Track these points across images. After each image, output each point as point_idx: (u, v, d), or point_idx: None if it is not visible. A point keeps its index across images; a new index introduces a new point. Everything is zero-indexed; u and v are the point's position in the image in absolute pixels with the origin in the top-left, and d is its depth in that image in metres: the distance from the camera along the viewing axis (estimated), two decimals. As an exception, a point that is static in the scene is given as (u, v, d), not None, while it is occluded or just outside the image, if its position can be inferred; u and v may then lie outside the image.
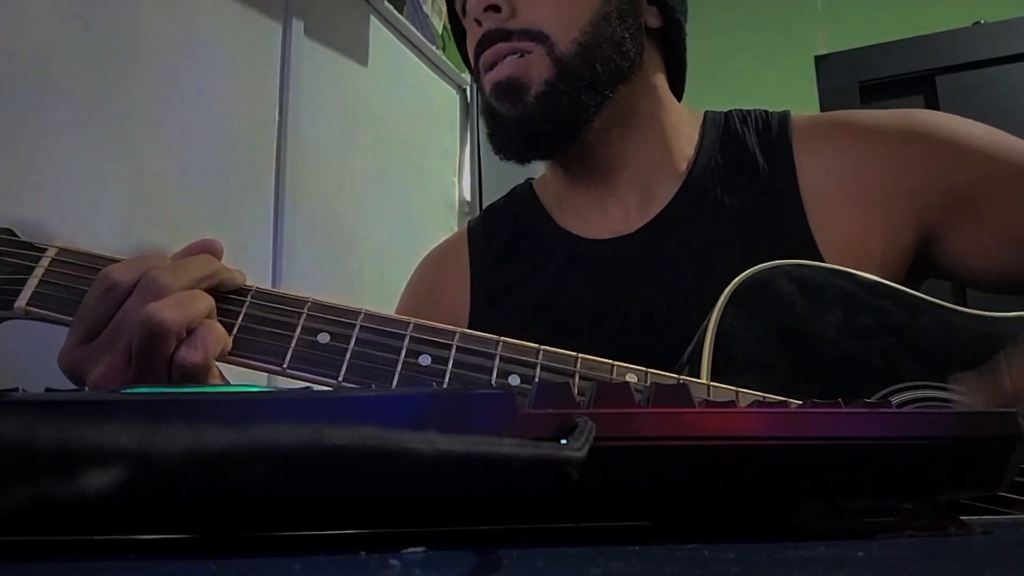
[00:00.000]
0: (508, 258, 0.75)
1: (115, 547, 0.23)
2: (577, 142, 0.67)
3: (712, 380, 0.47)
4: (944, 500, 0.27)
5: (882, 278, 0.54)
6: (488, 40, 0.65)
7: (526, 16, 0.64)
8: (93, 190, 0.80)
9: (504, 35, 0.64)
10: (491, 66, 0.66)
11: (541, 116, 0.64)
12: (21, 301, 0.47)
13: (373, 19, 1.40)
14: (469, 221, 0.84)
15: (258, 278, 0.48)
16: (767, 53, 2.17)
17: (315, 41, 1.22)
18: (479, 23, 0.65)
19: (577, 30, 0.64)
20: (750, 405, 0.28)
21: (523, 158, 0.69)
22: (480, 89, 0.69)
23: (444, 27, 1.64)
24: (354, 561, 0.20)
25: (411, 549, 0.22)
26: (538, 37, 0.64)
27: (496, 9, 0.64)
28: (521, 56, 0.64)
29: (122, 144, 0.84)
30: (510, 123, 0.65)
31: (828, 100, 2.05)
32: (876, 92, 2.07)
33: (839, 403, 0.27)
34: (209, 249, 0.48)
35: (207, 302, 0.45)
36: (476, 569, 0.19)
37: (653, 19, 0.70)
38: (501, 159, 0.69)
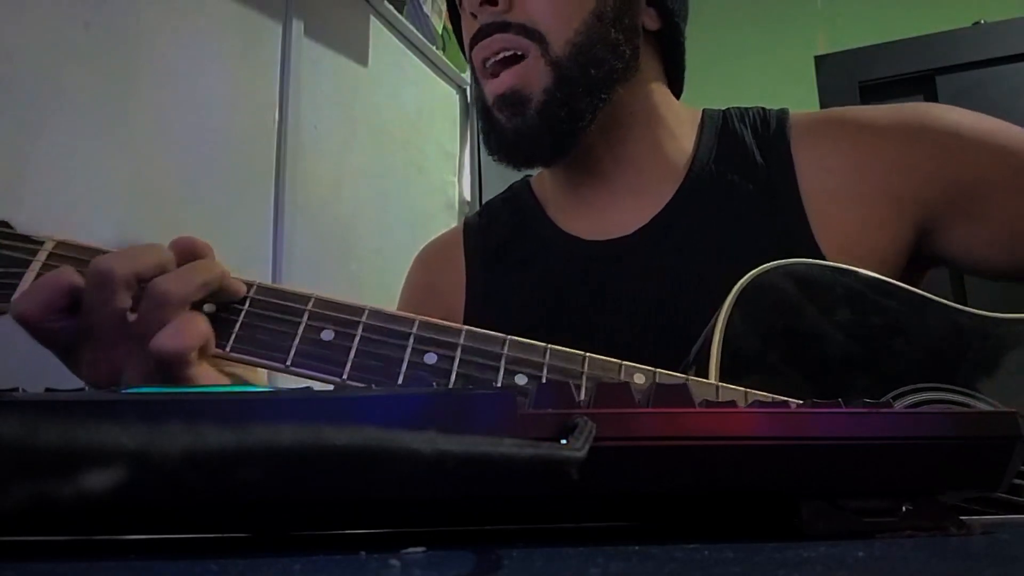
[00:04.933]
0: (503, 256, 0.75)
1: (115, 547, 0.23)
2: (575, 148, 0.67)
3: (720, 381, 0.47)
4: (945, 500, 0.27)
5: (883, 274, 0.54)
6: (484, 33, 0.65)
7: (522, 10, 0.64)
8: (93, 190, 0.80)
9: (502, 27, 0.64)
10: (486, 63, 0.66)
11: (540, 130, 0.64)
12: (18, 295, 0.44)
13: (373, 19, 1.40)
14: (466, 216, 0.85)
15: (258, 278, 0.48)
16: (767, 53, 2.17)
17: (315, 41, 1.22)
18: (475, 16, 0.66)
19: (572, 30, 0.64)
20: (750, 405, 0.28)
21: (519, 166, 0.69)
22: (477, 83, 0.70)
23: (444, 27, 1.64)
24: (354, 561, 0.20)
25: (411, 549, 0.22)
26: (534, 36, 0.64)
27: (492, 3, 0.64)
28: (517, 60, 0.64)
29: (122, 144, 0.84)
30: (508, 132, 0.66)
31: (828, 100, 2.05)
32: (876, 92, 2.07)
33: (839, 403, 0.27)
34: (189, 248, 0.46)
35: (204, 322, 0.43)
36: (476, 569, 0.19)
37: (651, 21, 0.69)
38: (495, 160, 0.69)
